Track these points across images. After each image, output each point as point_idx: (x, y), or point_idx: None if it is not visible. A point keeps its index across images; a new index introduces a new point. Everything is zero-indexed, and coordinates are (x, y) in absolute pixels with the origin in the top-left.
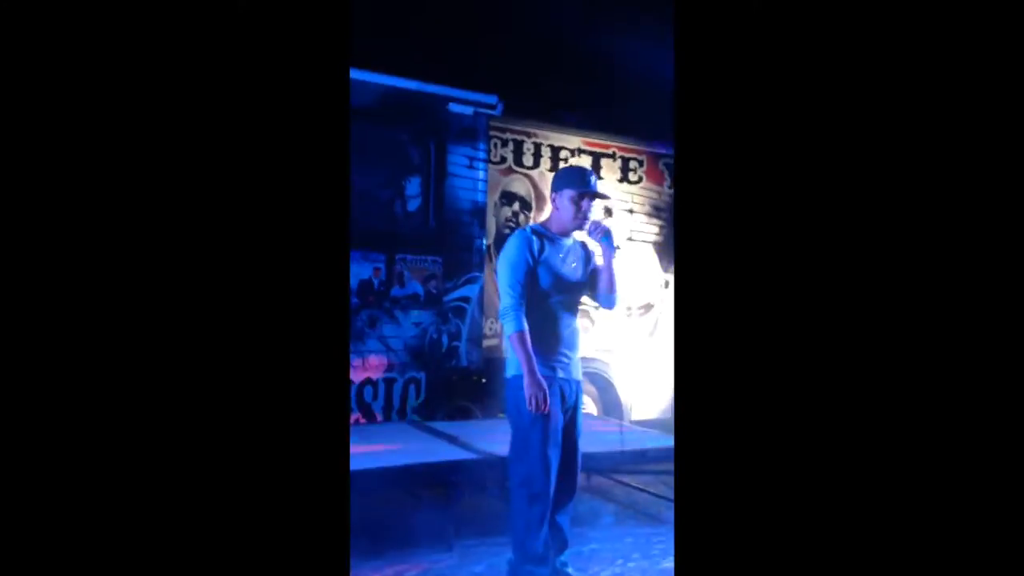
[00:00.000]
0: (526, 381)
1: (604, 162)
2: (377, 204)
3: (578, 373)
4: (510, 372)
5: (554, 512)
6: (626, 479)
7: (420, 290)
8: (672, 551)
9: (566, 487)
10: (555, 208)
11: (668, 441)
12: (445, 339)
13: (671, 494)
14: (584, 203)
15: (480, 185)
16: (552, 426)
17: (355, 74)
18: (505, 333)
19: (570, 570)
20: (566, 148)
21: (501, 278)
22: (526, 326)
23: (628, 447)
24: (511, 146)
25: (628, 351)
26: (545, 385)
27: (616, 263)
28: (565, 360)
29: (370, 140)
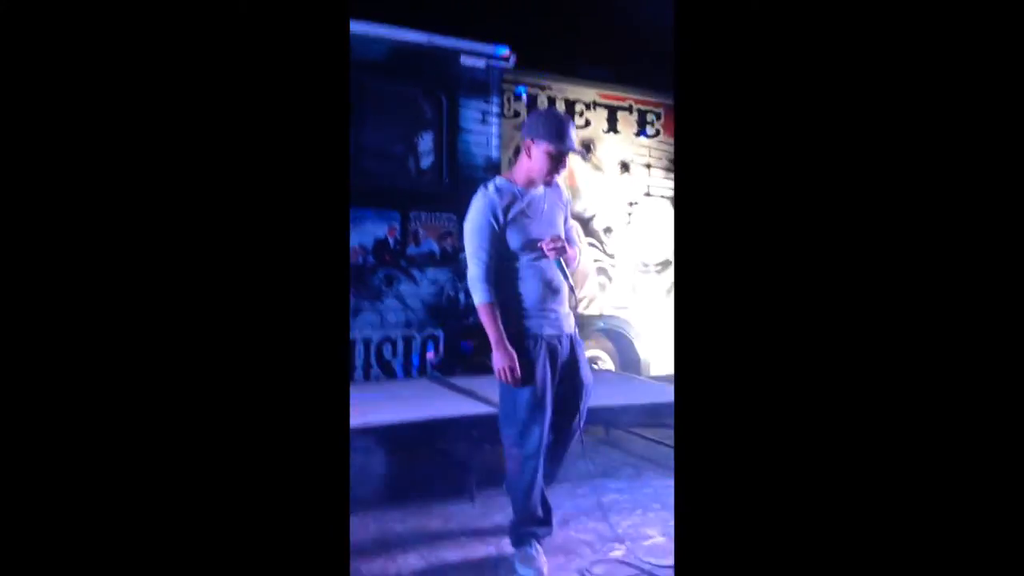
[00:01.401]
0: (494, 355)
1: (620, 115)
2: (390, 161)
3: (569, 326)
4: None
5: (549, 470)
6: (645, 432)
7: (436, 248)
8: None
9: (561, 447)
10: (527, 157)
11: None
12: (462, 296)
13: None
14: (561, 161)
15: (494, 140)
16: (539, 386)
17: (365, 28)
18: (476, 302)
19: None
20: (581, 101)
21: (467, 245)
22: (494, 297)
23: (646, 401)
24: (524, 99)
25: (646, 307)
26: (515, 356)
27: (574, 275)
28: (552, 315)
29: (381, 95)
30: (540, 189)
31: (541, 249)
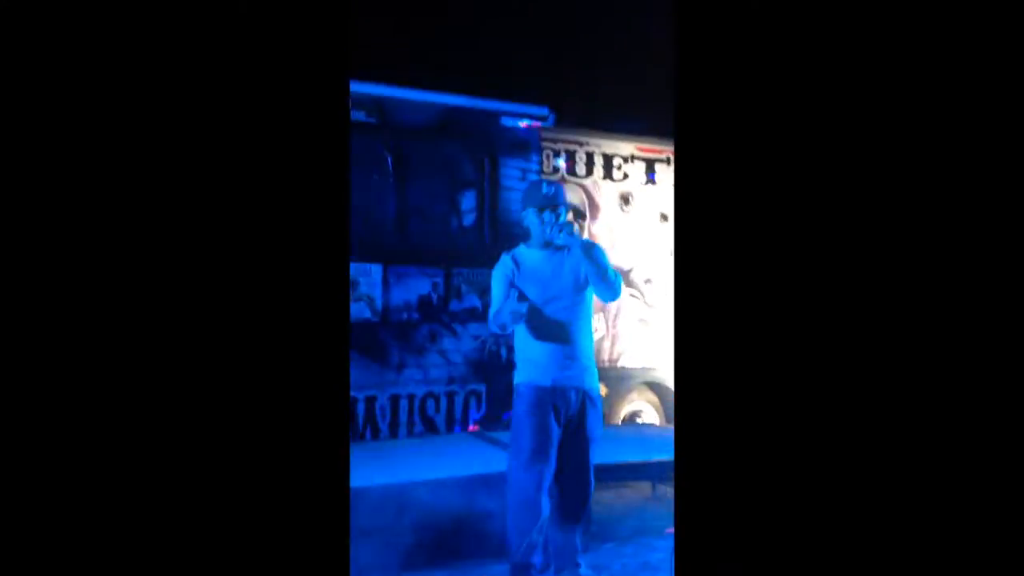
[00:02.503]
0: (503, 312)
1: (658, 167)
2: (433, 220)
3: (581, 381)
4: (516, 379)
5: (560, 526)
6: None
7: (478, 303)
8: None
9: (572, 501)
10: (528, 226)
11: None
12: (504, 351)
13: None
14: (546, 215)
15: None
16: (544, 439)
17: (410, 94)
18: (502, 331)
19: (584, 573)
20: (619, 155)
21: (492, 295)
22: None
23: None
24: (564, 156)
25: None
26: (522, 309)
27: (598, 254)
28: (562, 371)
29: (425, 157)
30: (554, 250)
31: (558, 300)
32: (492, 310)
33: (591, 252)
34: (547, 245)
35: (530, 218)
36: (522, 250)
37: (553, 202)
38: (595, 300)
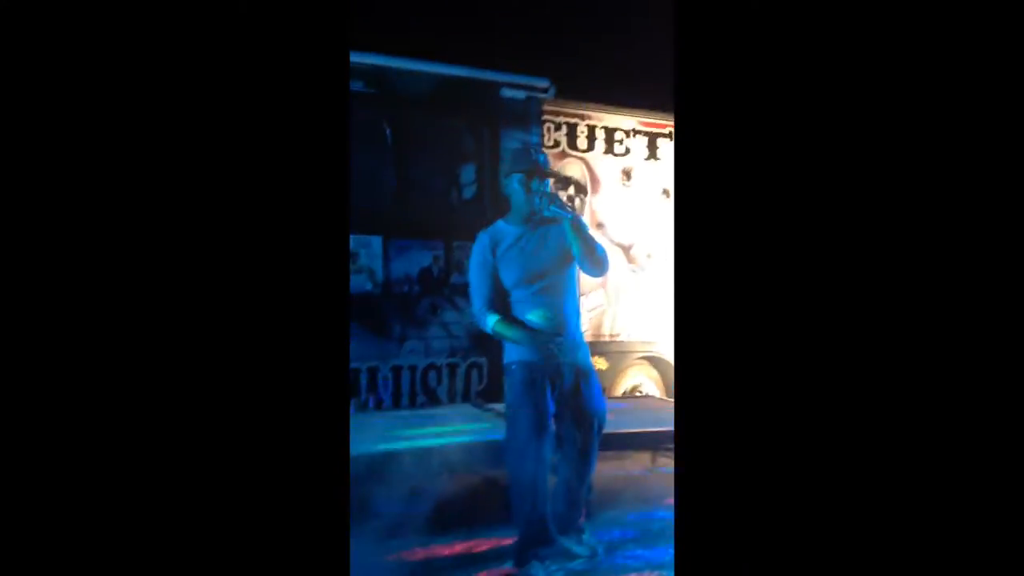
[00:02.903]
0: (530, 347)
1: (660, 142)
2: (433, 193)
3: (572, 356)
4: (505, 358)
5: (566, 494)
6: None
7: None
8: None
9: (575, 470)
10: (510, 195)
11: None
12: None
13: None
14: (533, 184)
15: None
16: (540, 414)
17: (407, 63)
18: (487, 331)
19: (585, 546)
20: (621, 129)
21: (470, 283)
22: (498, 315)
23: None
24: (564, 129)
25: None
26: (549, 337)
27: (582, 228)
28: (553, 346)
29: (424, 129)
30: (535, 225)
31: (542, 278)
32: (475, 301)
33: (579, 226)
34: (529, 218)
35: (514, 187)
36: (500, 226)
37: (542, 169)
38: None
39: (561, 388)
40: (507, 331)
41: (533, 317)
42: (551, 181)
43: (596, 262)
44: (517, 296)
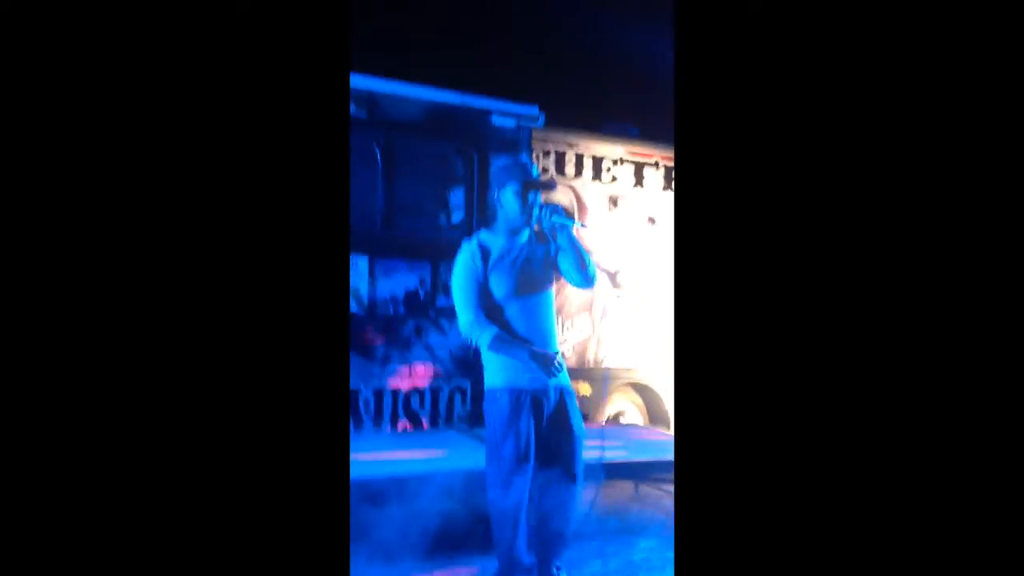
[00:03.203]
0: (534, 363)
1: (647, 170)
2: (421, 215)
3: (564, 382)
4: (486, 384)
5: (544, 522)
6: (671, 487)
7: None
8: None
9: (557, 498)
10: (500, 207)
11: None
12: None
13: None
14: (530, 195)
15: None
16: (522, 439)
17: (399, 88)
18: (481, 347)
19: (564, 572)
20: (608, 157)
21: (455, 296)
22: (497, 328)
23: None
24: (553, 157)
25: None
26: (550, 353)
27: (575, 239)
28: (536, 371)
29: (415, 153)
30: (524, 236)
31: (528, 293)
32: (464, 314)
33: (572, 237)
34: (516, 231)
35: (507, 197)
36: (486, 237)
37: (538, 182)
38: (577, 294)
39: (548, 412)
40: (508, 347)
41: (520, 336)
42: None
43: (587, 276)
44: (506, 310)
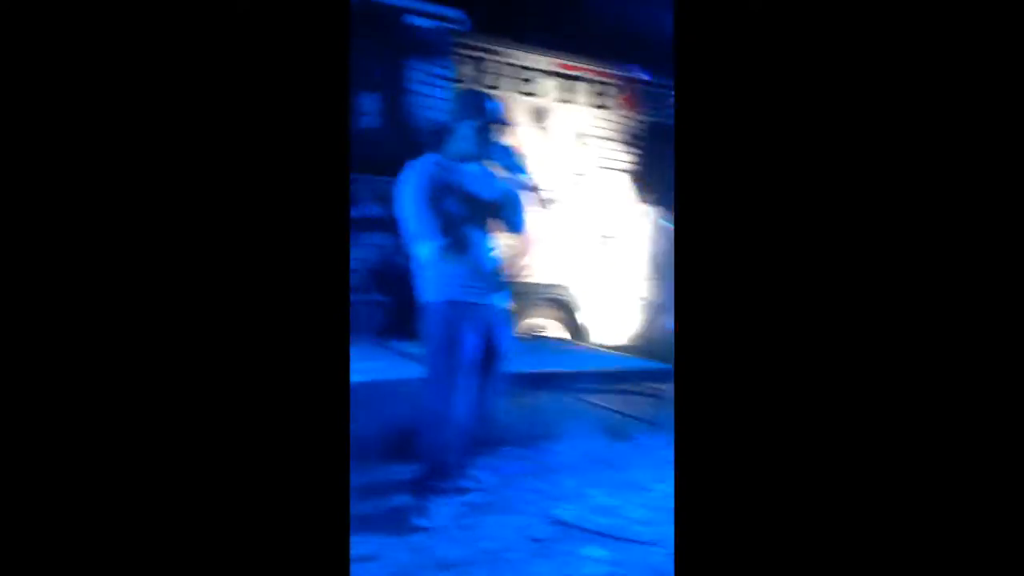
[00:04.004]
0: (473, 278)
1: (576, 85)
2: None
3: (499, 299)
4: (425, 297)
5: (471, 427)
6: (591, 398)
7: (380, 211)
8: (636, 465)
9: (485, 408)
10: (455, 137)
11: (634, 363)
12: (404, 262)
13: (633, 411)
14: (488, 133)
15: (441, 104)
16: (461, 352)
17: None
18: (423, 258)
19: (470, 479)
20: (536, 68)
21: (402, 211)
22: (442, 239)
23: (592, 368)
24: (476, 64)
25: (595, 278)
26: (490, 270)
27: (522, 184)
28: (478, 287)
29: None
30: (475, 166)
31: (471, 219)
32: (413, 226)
33: (518, 184)
34: (466, 161)
35: (465, 131)
36: (436, 158)
37: (499, 120)
38: None
39: (483, 328)
40: (454, 259)
41: (462, 255)
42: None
43: (519, 222)
44: (449, 233)
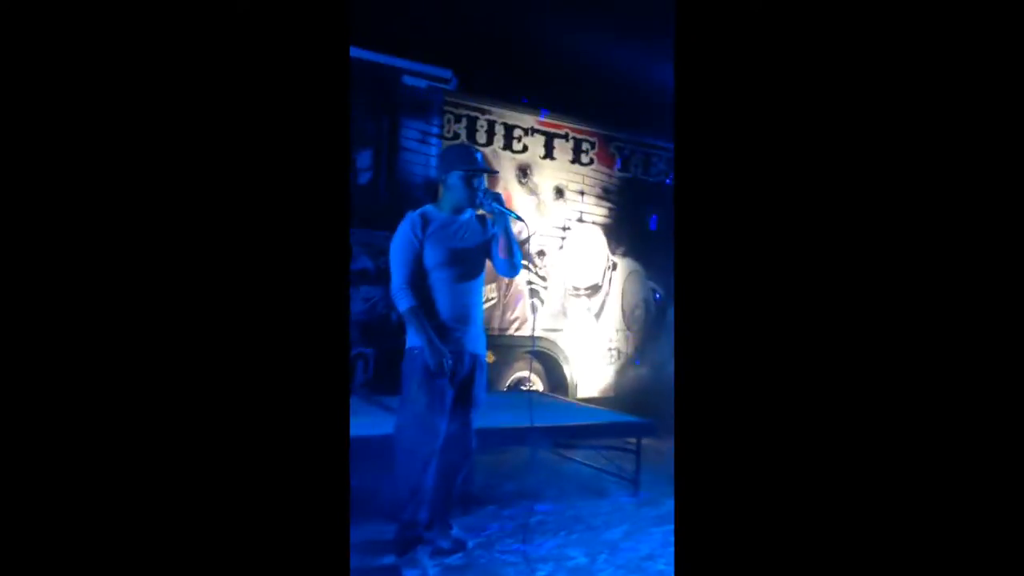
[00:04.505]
0: (426, 351)
1: (557, 142)
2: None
3: (475, 346)
4: (410, 343)
5: (444, 484)
6: (570, 454)
7: (371, 265)
8: (614, 524)
9: (456, 459)
10: (446, 189)
11: (610, 416)
12: (394, 315)
13: (611, 468)
14: (475, 181)
15: (433, 160)
16: (437, 398)
17: None
18: (399, 310)
19: (449, 539)
20: (520, 127)
21: (391, 260)
22: (416, 302)
23: (572, 422)
24: (464, 122)
25: (575, 331)
26: (445, 351)
27: (511, 230)
28: (457, 333)
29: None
30: (465, 215)
31: (457, 265)
32: (395, 279)
33: (508, 227)
34: (458, 211)
35: (453, 181)
36: (430, 210)
37: (484, 168)
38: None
39: (459, 377)
40: (416, 325)
41: (441, 304)
42: (486, 178)
43: (513, 264)
44: (436, 277)
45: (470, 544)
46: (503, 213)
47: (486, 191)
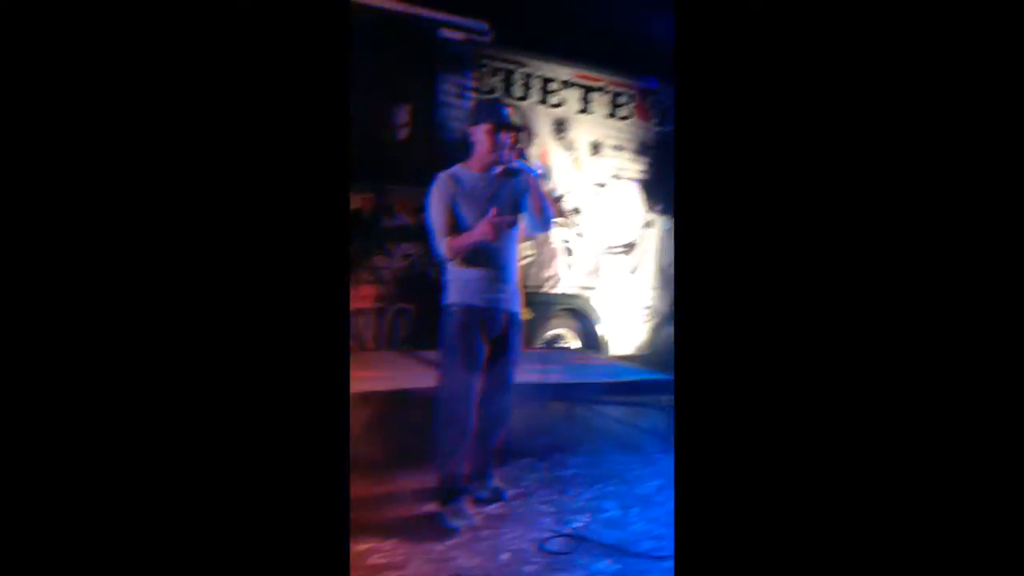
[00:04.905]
0: (477, 232)
1: (594, 96)
2: (364, 134)
3: (509, 304)
4: (446, 300)
5: (482, 438)
6: (605, 410)
7: (408, 222)
8: (646, 479)
9: (494, 414)
10: (473, 144)
11: (644, 374)
12: (431, 271)
13: (645, 424)
14: (499, 137)
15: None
16: (473, 354)
17: None
18: (444, 260)
19: (498, 485)
20: (556, 79)
21: (429, 218)
22: (450, 240)
23: (605, 379)
24: (502, 75)
25: (609, 288)
26: (495, 219)
27: (538, 185)
28: (491, 293)
29: (357, 66)
30: (492, 174)
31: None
32: (434, 233)
33: (535, 182)
34: (487, 167)
35: (480, 136)
36: (458, 170)
37: (510, 124)
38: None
39: (493, 334)
40: (465, 248)
41: (478, 262)
42: (513, 135)
43: (543, 220)
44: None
45: (507, 495)
46: (528, 171)
47: (511, 146)
